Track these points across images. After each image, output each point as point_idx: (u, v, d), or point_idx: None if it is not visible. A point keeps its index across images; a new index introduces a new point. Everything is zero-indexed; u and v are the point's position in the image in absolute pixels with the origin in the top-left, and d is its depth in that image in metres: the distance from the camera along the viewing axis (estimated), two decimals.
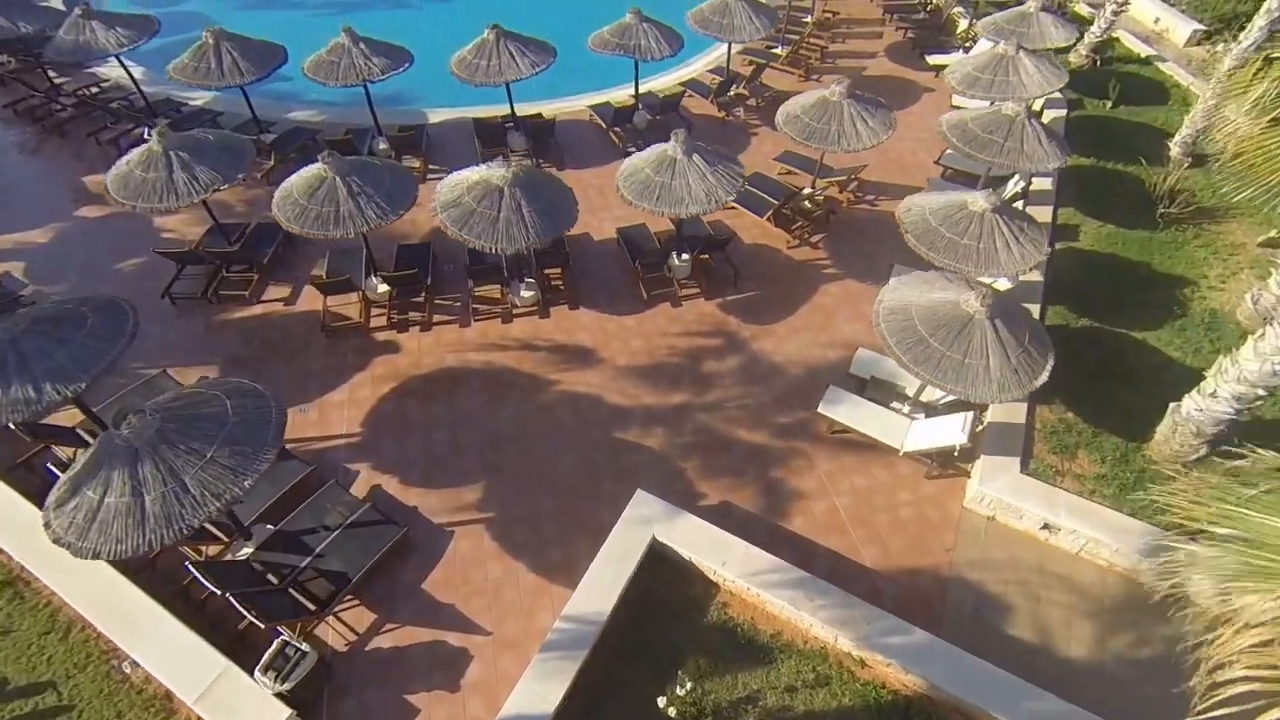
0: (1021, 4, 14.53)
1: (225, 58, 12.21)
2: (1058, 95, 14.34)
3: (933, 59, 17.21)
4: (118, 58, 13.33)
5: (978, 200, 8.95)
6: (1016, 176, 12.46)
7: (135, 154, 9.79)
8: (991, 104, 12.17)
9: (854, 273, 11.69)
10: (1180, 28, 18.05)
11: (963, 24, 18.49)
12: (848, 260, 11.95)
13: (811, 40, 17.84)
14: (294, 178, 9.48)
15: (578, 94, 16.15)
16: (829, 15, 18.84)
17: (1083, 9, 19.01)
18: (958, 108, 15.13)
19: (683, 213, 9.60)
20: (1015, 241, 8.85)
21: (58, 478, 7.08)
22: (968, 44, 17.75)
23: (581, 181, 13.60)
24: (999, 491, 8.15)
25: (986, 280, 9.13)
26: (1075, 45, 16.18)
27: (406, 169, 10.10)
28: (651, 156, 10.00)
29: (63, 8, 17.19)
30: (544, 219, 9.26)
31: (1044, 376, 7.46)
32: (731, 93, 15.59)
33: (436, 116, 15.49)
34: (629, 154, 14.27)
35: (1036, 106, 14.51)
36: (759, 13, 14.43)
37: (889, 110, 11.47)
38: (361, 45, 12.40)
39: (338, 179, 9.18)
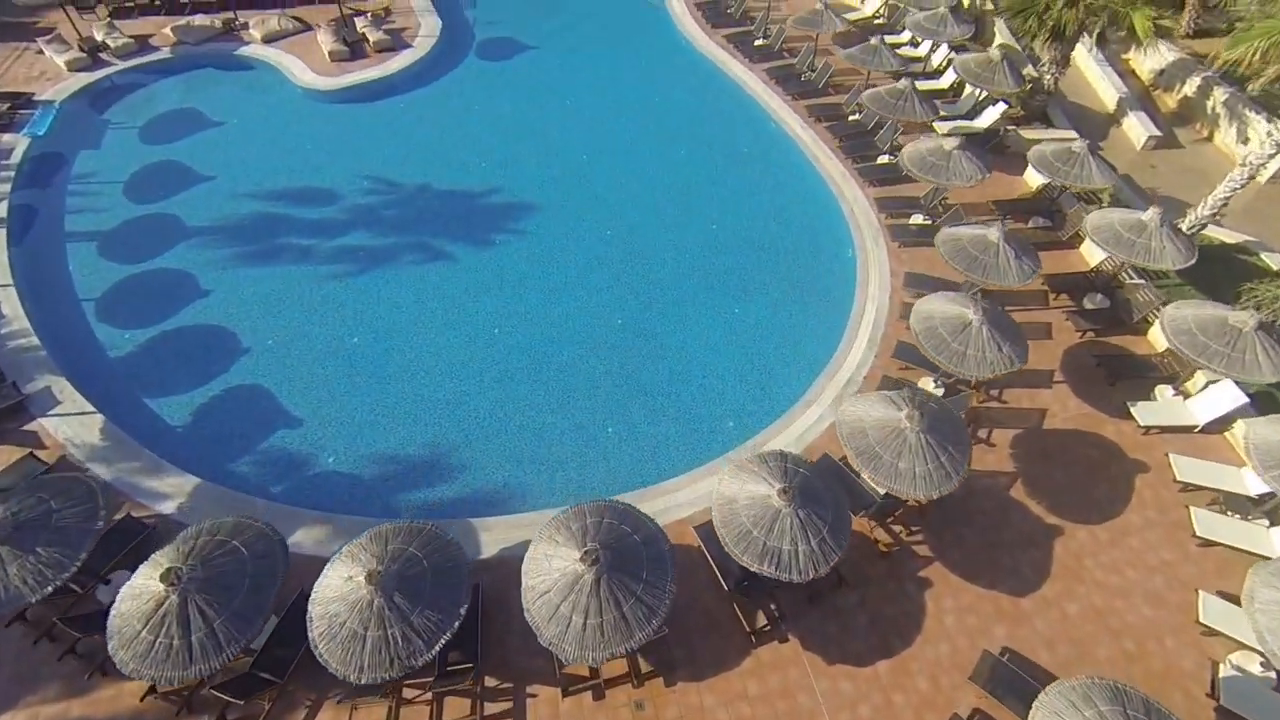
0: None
1: (194, 623, 7.97)
2: None
3: (1143, 417, 12.83)
4: None
5: None
6: None
7: None
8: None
9: None
10: None
11: (1160, 337, 13.79)
12: None
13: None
14: None
15: (669, 475, 12.36)
16: None
17: None
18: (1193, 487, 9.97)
19: None
20: None
21: None
22: (1175, 368, 13.39)
23: (702, 713, 9.56)
24: None
25: None
26: None
27: None
28: None
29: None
30: None
31: None
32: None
33: (489, 533, 11.34)
34: (758, 635, 10.25)
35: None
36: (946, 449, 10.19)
37: None
38: (397, 599, 8.24)
39: None
